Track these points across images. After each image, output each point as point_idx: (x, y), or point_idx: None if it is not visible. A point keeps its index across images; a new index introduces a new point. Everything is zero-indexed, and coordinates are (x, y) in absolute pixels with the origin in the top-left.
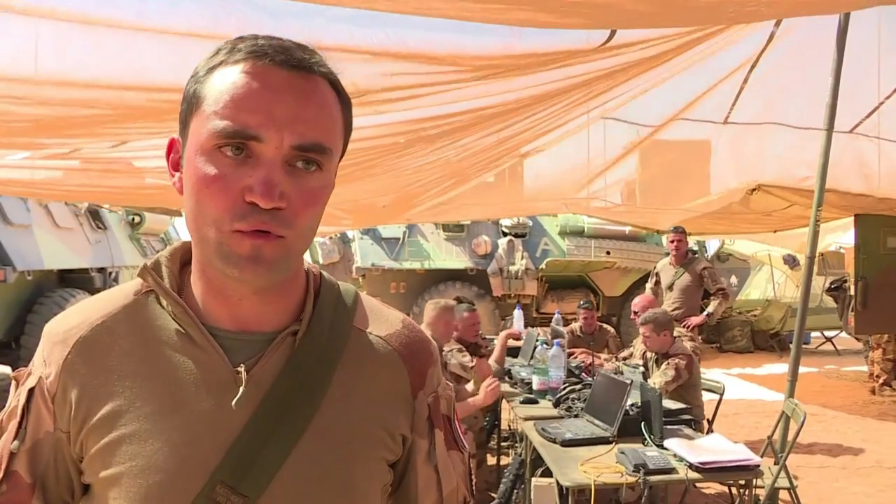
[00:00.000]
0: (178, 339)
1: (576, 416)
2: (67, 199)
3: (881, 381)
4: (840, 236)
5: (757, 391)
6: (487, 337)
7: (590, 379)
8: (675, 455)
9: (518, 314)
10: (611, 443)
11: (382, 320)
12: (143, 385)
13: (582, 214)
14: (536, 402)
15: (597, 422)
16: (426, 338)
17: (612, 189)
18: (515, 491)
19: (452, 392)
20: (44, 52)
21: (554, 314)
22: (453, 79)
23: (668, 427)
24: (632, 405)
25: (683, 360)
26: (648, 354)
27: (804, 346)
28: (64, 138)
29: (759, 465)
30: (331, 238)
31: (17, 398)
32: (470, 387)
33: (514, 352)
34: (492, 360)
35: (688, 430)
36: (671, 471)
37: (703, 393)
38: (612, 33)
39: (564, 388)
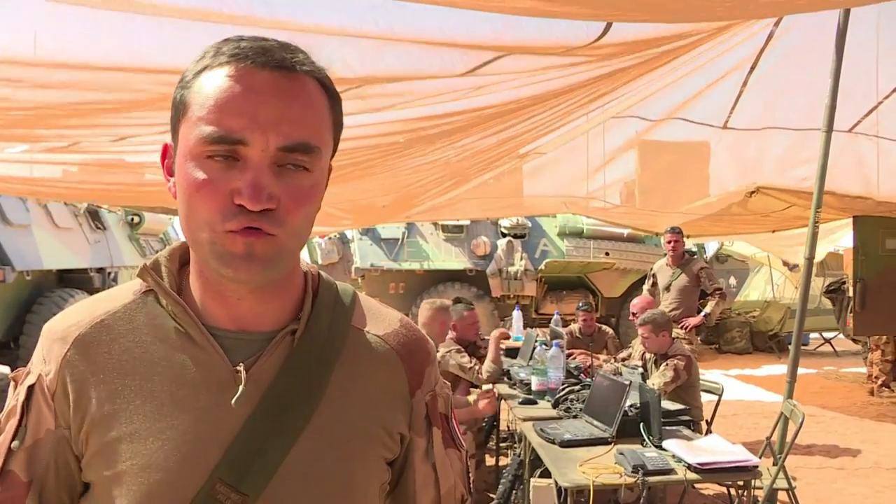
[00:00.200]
0: (178, 339)
1: (574, 416)
2: (67, 198)
3: (880, 382)
4: (838, 240)
5: (755, 392)
6: (486, 338)
7: (588, 380)
8: (673, 456)
9: (517, 315)
10: (609, 443)
11: (380, 320)
12: (142, 384)
13: (581, 215)
14: (535, 403)
15: (595, 422)
16: (424, 337)
17: (611, 189)
18: (514, 491)
19: (450, 391)
20: (43, 35)
21: (553, 315)
22: (448, 71)
23: (667, 428)
24: (630, 406)
25: (682, 361)
26: (647, 355)
27: (803, 347)
28: (62, 129)
29: (757, 466)
30: (330, 239)
31: (16, 397)
32: (472, 399)
33: (513, 352)
34: (488, 361)
35: (686, 431)
36: (670, 471)
37: (702, 394)
38: (608, 27)
39: (563, 389)
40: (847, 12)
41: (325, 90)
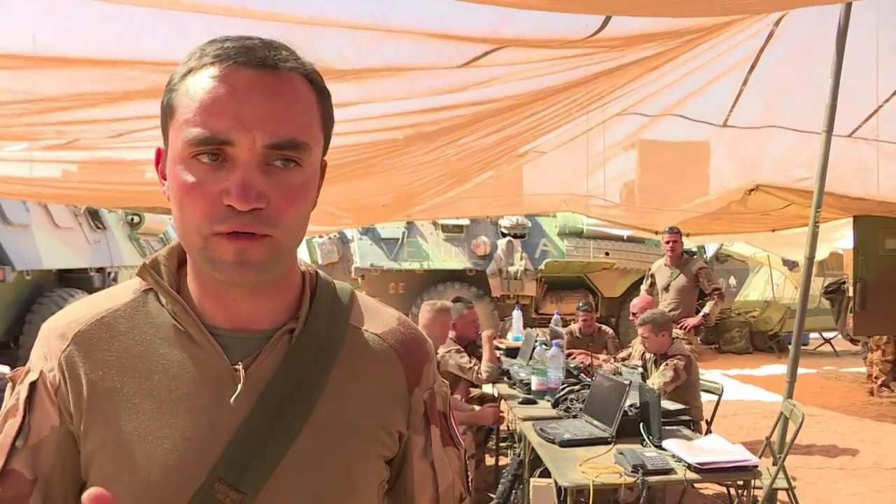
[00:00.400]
0: (177, 337)
1: (574, 416)
2: (68, 200)
3: (880, 382)
4: (839, 240)
5: (755, 392)
6: None
7: (588, 380)
8: (673, 456)
9: (517, 315)
10: (609, 443)
11: (378, 318)
12: (142, 382)
13: (580, 214)
14: (535, 403)
15: (595, 422)
16: (422, 335)
17: (611, 187)
18: (514, 491)
19: (448, 389)
20: (42, 29)
21: (553, 315)
22: (445, 62)
23: (667, 428)
24: (630, 406)
25: (682, 361)
26: (647, 355)
27: (803, 347)
28: (60, 125)
29: (757, 466)
30: (330, 238)
31: (15, 396)
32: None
33: (513, 352)
34: (485, 360)
35: (686, 431)
36: (670, 471)
37: (702, 394)
38: (607, 21)
39: (563, 389)
40: (848, 12)
41: (313, 86)
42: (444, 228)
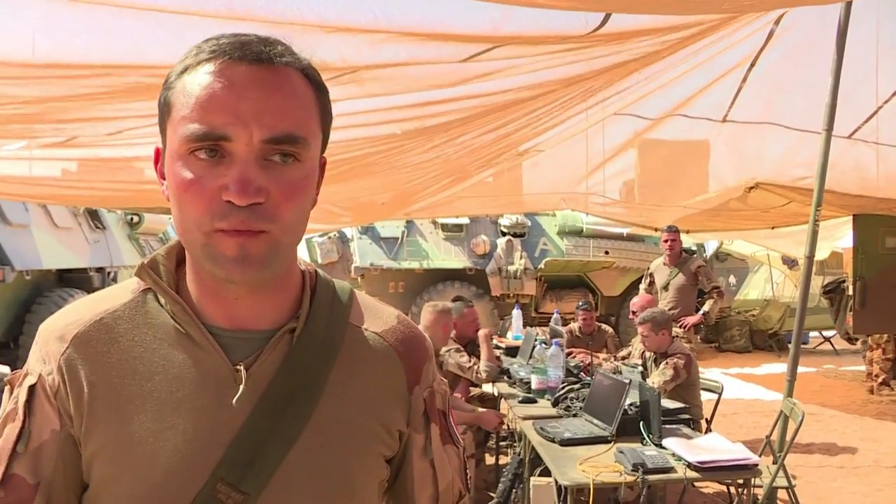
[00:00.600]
0: (177, 338)
1: (574, 415)
2: (67, 202)
3: (879, 380)
4: (839, 239)
5: (755, 391)
6: None
7: (588, 379)
8: (673, 454)
9: (517, 314)
10: (609, 442)
11: (378, 317)
12: (142, 383)
13: (580, 211)
14: (535, 402)
15: (595, 421)
16: (421, 333)
17: (610, 185)
18: (514, 490)
19: (447, 387)
20: (41, 36)
21: (552, 314)
22: (445, 58)
23: (667, 426)
24: (630, 405)
25: (682, 360)
26: (647, 354)
27: (802, 345)
28: (59, 124)
29: (757, 465)
30: (329, 238)
31: (14, 400)
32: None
33: (513, 351)
34: (483, 360)
35: (686, 430)
36: (670, 470)
37: (702, 392)
38: (606, 18)
39: (563, 388)
40: (848, 12)
41: (310, 81)
42: (444, 227)
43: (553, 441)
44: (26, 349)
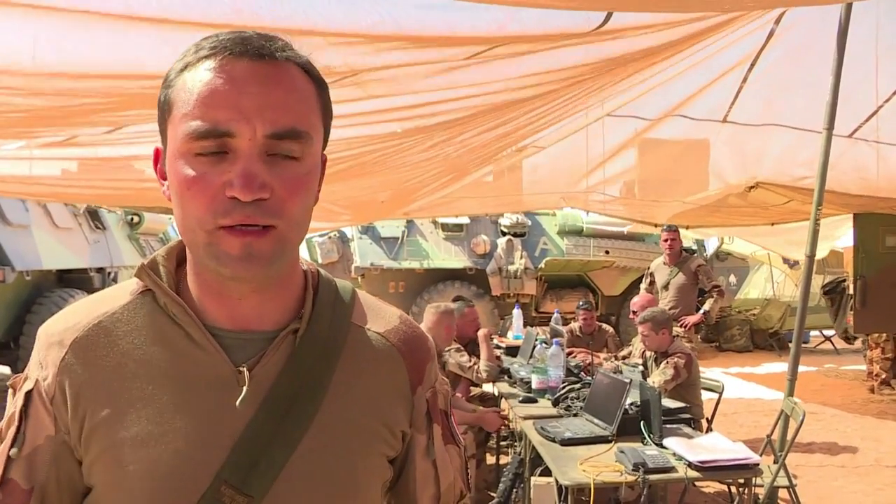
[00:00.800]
0: (178, 339)
1: (575, 415)
2: (67, 200)
3: (880, 380)
4: (837, 239)
5: (756, 390)
6: None
7: (588, 378)
8: (674, 454)
9: (517, 313)
10: (610, 442)
11: (380, 317)
12: (143, 386)
13: (580, 208)
14: (535, 402)
15: (596, 421)
16: (423, 334)
17: (610, 183)
18: (515, 490)
19: (449, 387)
20: (41, 48)
21: (553, 313)
22: (448, 58)
23: (668, 426)
24: (631, 404)
25: (682, 359)
26: (647, 353)
27: (803, 344)
28: (59, 126)
29: (758, 464)
30: (329, 237)
31: (14, 404)
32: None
33: (513, 351)
34: (483, 360)
35: (687, 429)
36: (670, 470)
37: (703, 392)
38: (608, 16)
39: (563, 388)
40: (848, 11)
41: (310, 76)
42: (444, 227)
43: (554, 441)
44: (27, 349)
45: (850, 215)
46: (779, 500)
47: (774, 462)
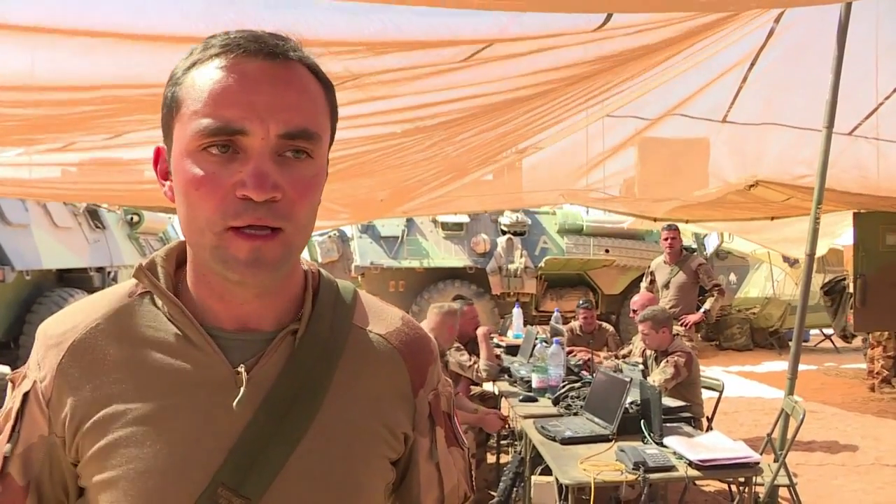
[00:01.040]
0: (176, 340)
1: (575, 414)
2: (66, 199)
3: (881, 377)
4: (839, 235)
5: (756, 389)
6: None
7: (589, 377)
8: (674, 453)
9: (517, 312)
10: (610, 441)
11: (382, 318)
12: (140, 387)
13: (579, 204)
14: (536, 401)
15: (596, 420)
16: (426, 335)
17: (610, 181)
18: (515, 489)
19: (452, 389)
20: (40, 67)
21: (553, 312)
22: (448, 59)
23: (668, 425)
24: (631, 403)
25: (683, 358)
26: (648, 352)
27: (803, 343)
28: (57, 133)
29: (758, 463)
30: (329, 237)
31: (12, 401)
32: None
33: (513, 350)
34: (483, 359)
35: (687, 428)
36: (671, 468)
37: (703, 391)
38: (608, 18)
39: (564, 387)
40: (848, 9)
41: (318, 77)
42: (444, 226)
43: (554, 440)
44: (27, 349)
45: (851, 212)
46: (779, 499)
47: (775, 461)
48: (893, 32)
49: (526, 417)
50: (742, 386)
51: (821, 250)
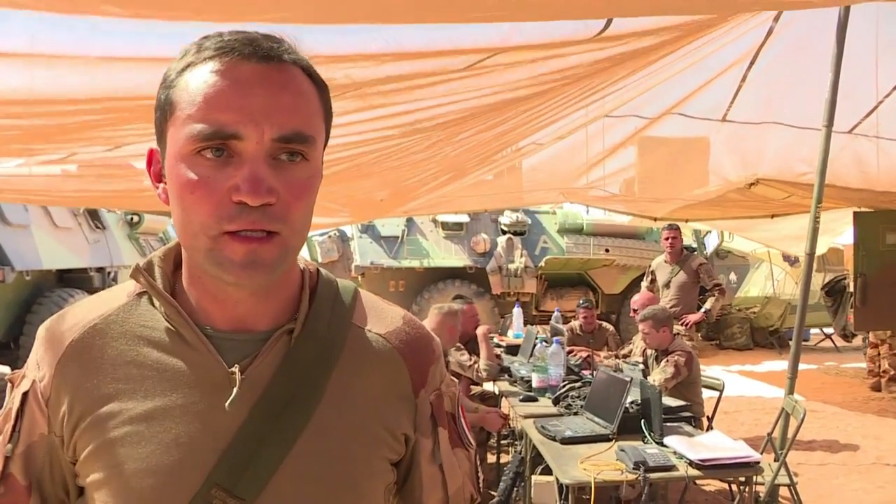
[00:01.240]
0: (171, 341)
1: (575, 413)
2: (65, 204)
3: (888, 376)
4: (840, 233)
5: (756, 388)
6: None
7: (589, 377)
8: (675, 452)
9: (517, 312)
10: (611, 440)
11: (382, 317)
12: (136, 387)
13: (579, 203)
14: (536, 400)
15: (596, 419)
16: (428, 334)
17: (609, 180)
18: (515, 489)
19: (457, 389)
20: (40, 83)
21: (553, 312)
22: (449, 68)
23: (668, 424)
24: (631, 402)
25: (683, 357)
26: (648, 351)
27: (803, 342)
28: (58, 143)
29: (759, 462)
30: (330, 236)
31: (12, 401)
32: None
33: (513, 350)
34: (483, 359)
35: (688, 428)
36: (671, 468)
37: (703, 390)
38: (608, 23)
39: (564, 386)
40: (847, 8)
41: (312, 79)
42: (444, 226)
43: (554, 439)
44: (27, 349)
45: (851, 210)
46: (780, 498)
47: (775, 460)
48: (894, 30)
49: (526, 417)
50: (742, 385)
51: (821, 248)
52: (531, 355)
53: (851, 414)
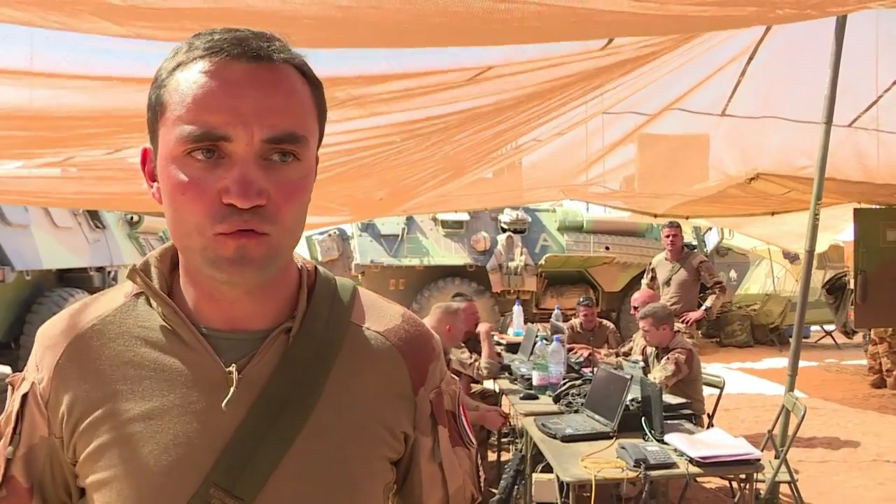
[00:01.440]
0: (169, 341)
1: (576, 411)
2: (65, 206)
3: (893, 377)
4: (840, 230)
5: (757, 385)
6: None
7: (590, 375)
8: (675, 450)
9: (517, 310)
10: (611, 438)
11: (381, 315)
12: (133, 387)
13: (579, 199)
14: (536, 398)
15: (597, 417)
16: (427, 332)
17: (609, 176)
18: (516, 487)
19: (458, 387)
20: (39, 100)
21: (553, 310)
22: (451, 81)
23: (669, 422)
24: (632, 400)
25: (683, 355)
26: (648, 349)
27: (804, 339)
28: (57, 148)
29: (759, 460)
30: (329, 235)
31: (12, 404)
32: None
33: (514, 348)
34: (484, 357)
35: (688, 425)
36: (672, 465)
37: (704, 387)
38: (609, 42)
39: (564, 384)
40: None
41: (305, 77)
42: (444, 224)
43: (555, 437)
44: (27, 349)
45: (851, 206)
46: (780, 495)
47: (776, 457)
48: (894, 25)
49: (527, 415)
50: (743, 383)
51: (822, 245)
52: (531, 353)
53: (852, 411)
